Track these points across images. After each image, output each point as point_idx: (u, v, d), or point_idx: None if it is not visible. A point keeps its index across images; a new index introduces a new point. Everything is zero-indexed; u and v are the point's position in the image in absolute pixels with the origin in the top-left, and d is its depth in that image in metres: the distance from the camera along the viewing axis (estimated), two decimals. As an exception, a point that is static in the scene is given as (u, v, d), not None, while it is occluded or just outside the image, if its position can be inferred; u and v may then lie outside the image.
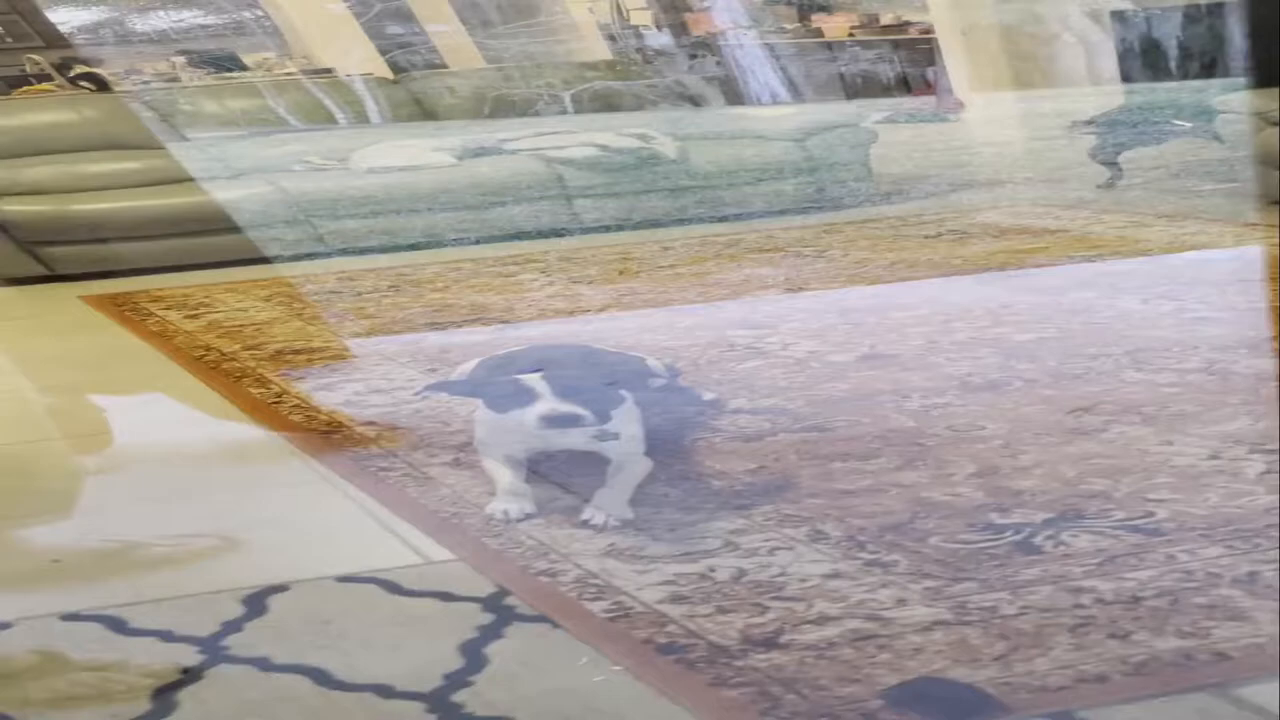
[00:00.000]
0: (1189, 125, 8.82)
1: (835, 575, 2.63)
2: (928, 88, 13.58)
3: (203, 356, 4.88)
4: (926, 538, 2.80)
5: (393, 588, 2.73)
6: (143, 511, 3.36)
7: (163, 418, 4.37)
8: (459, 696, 2.27)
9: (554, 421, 3.18)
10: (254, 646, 2.49)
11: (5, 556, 3.15)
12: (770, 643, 2.37)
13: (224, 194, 7.07)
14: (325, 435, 3.82)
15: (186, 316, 5.62)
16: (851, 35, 14.44)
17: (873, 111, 10.87)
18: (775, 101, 12.32)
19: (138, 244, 6.85)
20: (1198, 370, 3.93)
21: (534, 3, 13.20)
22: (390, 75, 10.24)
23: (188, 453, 3.85)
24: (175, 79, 11.40)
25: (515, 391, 3.24)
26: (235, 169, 7.41)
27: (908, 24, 14.25)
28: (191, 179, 7.16)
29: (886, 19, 14.43)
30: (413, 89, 8.91)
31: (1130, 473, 3.11)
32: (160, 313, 5.74)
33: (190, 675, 2.39)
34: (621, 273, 6.15)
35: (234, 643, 2.51)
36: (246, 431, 4.01)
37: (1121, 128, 8.62)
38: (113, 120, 7.66)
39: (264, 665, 2.42)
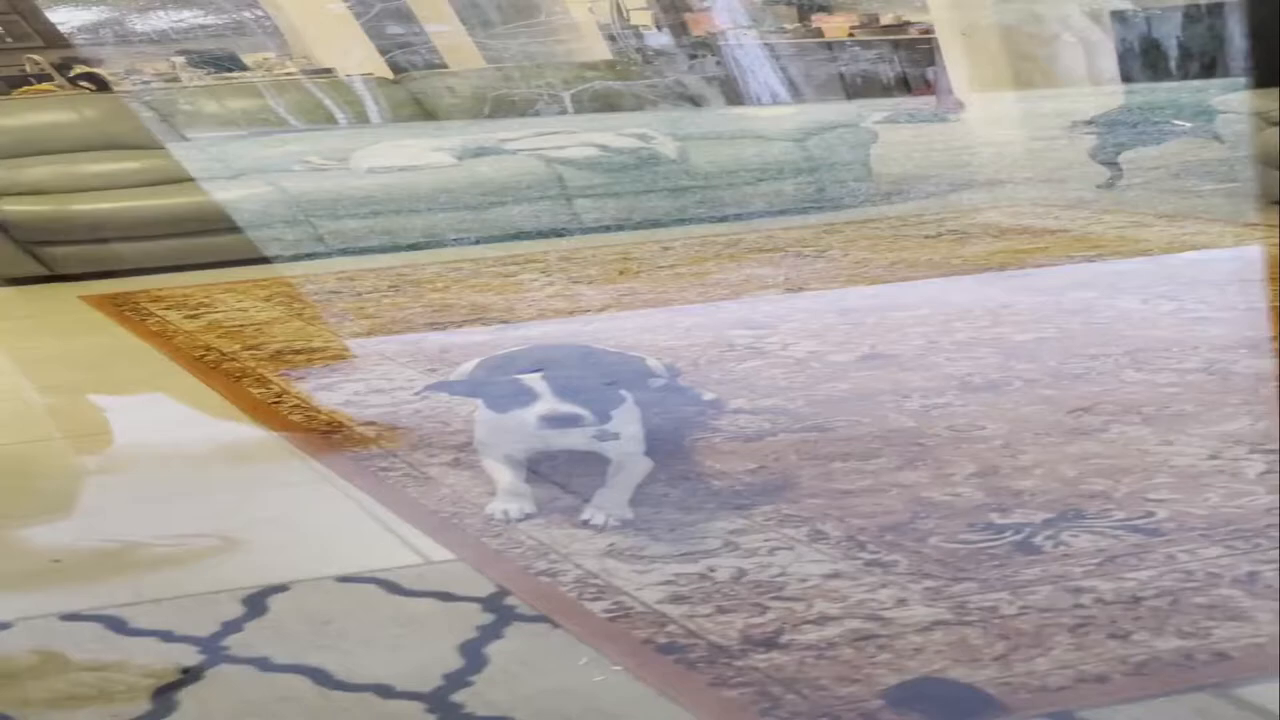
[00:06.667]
0: (1189, 125, 8.82)
1: (835, 575, 2.63)
2: (928, 88, 13.57)
3: (203, 356, 4.88)
4: (926, 538, 2.80)
5: (393, 588, 2.73)
6: (143, 511, 3.36)
7: (163, 418, 4.37)
8: (459, 696, 2.27)
9: (554, 421, 3.18)
10: (254, 646, 2.49)
11: (5, 556, 3.15)
12: (770, 643, 2.37)
13: (224, 194, 7.06)
14: (325, 435, 3.82)
15: (186, 316, 5.62)
16: (851, 35, 14.44)
17: (873, 111, 10.86)
18: (775, 101, 12.31)
19: (138, 244, 6.85)
20: (1198, 370, 3.93)
21: (534, 3, 13.20)
22: (390, 75, 10.24)
23: (188, 453, 3.85)
24: (175, 79, 11.39)
25: (515, 391, 3.24)
26: (235, 169, 7.40)
27: (908, 24, 14.25)
28: (191, 179, 7.16)
29: (886, 19, 14.43)
30: (413, 89, 8.91)
31: (1130, 473, 3.11)
32: (160, 313, 5.74)
33: (190, 675, 2.39)
34: (621, 273, 6.15)
35: (234, 643, 2.51)
36: (246, 431, 4.01)
37: (1121, 128, 8.62)
38: (113, 120, 7.66)
39: (264, 665, 2.42)
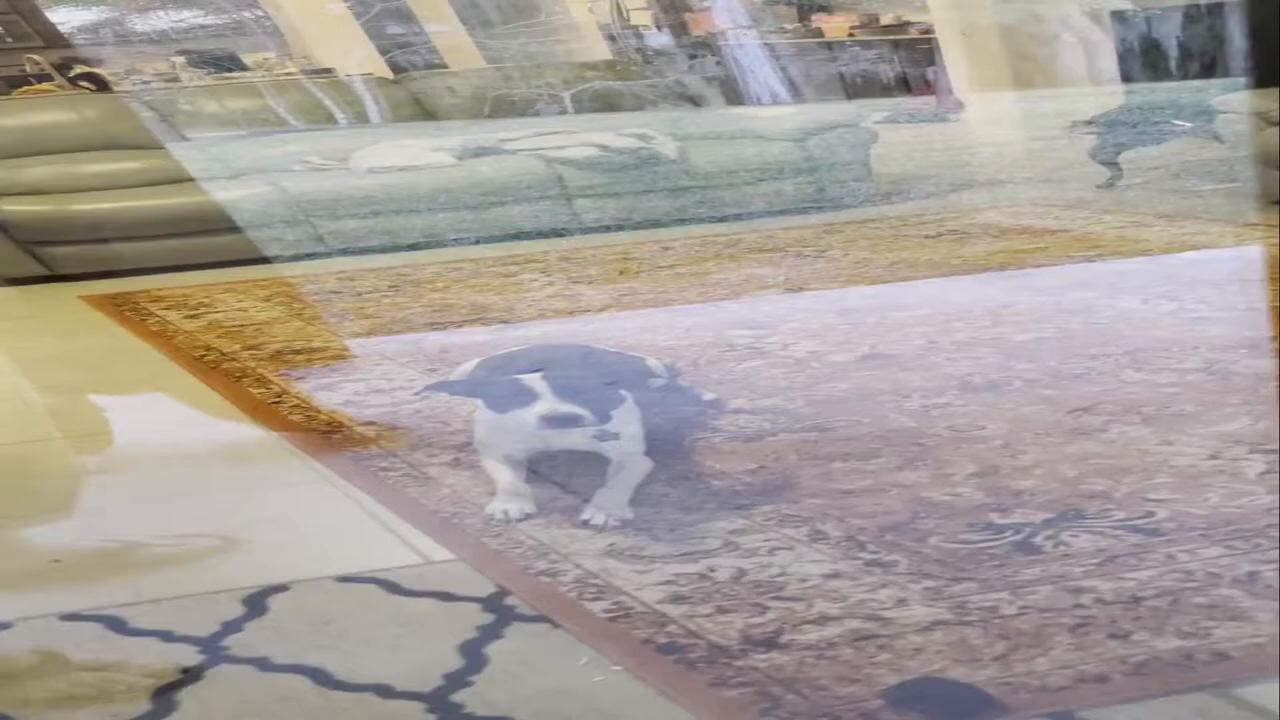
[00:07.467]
0: (1189, 125, 8.82)
1: (835, 575, 2.63)
2: (928, 88, 13.57)
3: (203, 356, 4.88)
4: (926, 538, 2.80)
5: (393, 588, 2.73)
6: (143, 511, 3.36)
7: (163, 418, 4.37)
8: (459, 696, 2.27)
9: (554, 421, 3.18)
10: (254, 646, 2.49)
11: (5, 556, 3.15)
12: (770, 643, 2.37)
13: (224, 194, 7.06)
14: (325, 435, 3.82)
15: (186, 316, 5.62)
16: (851, 35, 14.44)
17: (873, 111, 10.85)
18: (775, 101, 12.31)
19: (138, 244, 6.85)
20: (1198, 370, 3.93)
21: (534, 3, 13.20)
22: (390, 75, 10.24)
23: (188, 453, 3.85)
24: (175, 79, 11.39)
25: (515, 391, 3.24)
26: (235, 169, 7.40)
27: (908, 24, 14.25)
28: (191, 179, 7.16)
29: (886, 19, 14.43)
30: (413, 89, 8.91)
31: (1130, 473, 3.11)
32: (160, 313, 5.74)
33: (190, 675, 2.39)
34: (621, 273, 6.15)
35: (234, 643, 2.51)
36: (246, 431, 4.01)
37: (1121, 128, 8.62)
38: (113, 120, 7.66)
39: (264, 665, 2.42)
